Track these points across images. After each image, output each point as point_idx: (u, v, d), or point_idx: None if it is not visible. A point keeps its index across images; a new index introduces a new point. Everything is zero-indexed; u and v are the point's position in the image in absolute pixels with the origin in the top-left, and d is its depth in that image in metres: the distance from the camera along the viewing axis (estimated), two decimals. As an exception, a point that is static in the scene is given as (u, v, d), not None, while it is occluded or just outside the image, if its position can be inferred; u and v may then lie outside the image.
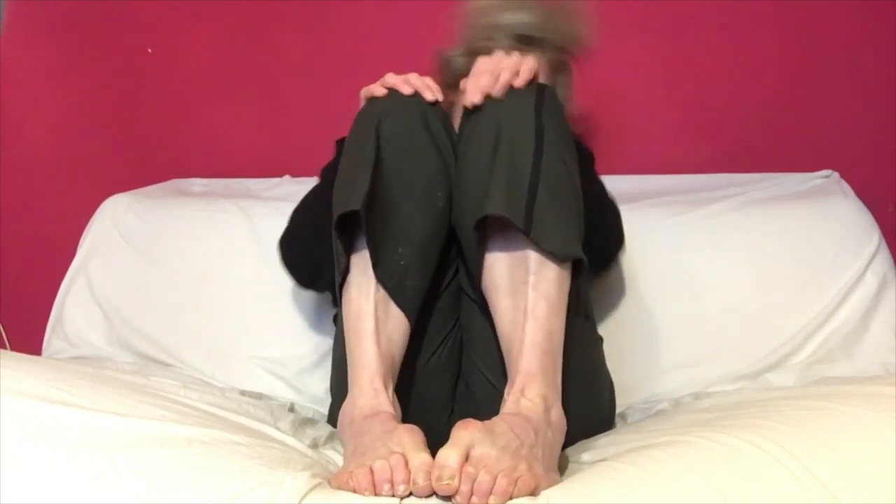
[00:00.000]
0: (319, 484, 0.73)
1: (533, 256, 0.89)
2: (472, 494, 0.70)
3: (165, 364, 1.33)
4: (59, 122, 1.76)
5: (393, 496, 0.71)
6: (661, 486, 0.69)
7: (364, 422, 0.84)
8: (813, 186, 1.48)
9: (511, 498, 0.70)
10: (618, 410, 1.18)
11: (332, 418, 1.08)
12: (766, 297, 1.30)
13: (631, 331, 1.30)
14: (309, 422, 1.10)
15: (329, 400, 1.17)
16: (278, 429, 0.94)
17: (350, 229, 0.95)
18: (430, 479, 0.71)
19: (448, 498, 0.71)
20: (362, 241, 0.94)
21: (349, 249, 0.95)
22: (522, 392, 0.83)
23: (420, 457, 0.73)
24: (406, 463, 0.72)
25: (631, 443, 0.85)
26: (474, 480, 0.70)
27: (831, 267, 1.31)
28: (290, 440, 0.91)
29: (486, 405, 0.92)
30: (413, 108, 0.99)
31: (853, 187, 1.46)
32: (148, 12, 1.72)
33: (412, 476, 0.71)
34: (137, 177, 1.65)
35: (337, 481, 0.74)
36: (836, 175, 1.51)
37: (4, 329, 1.72)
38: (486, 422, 0.77)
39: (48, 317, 1.44)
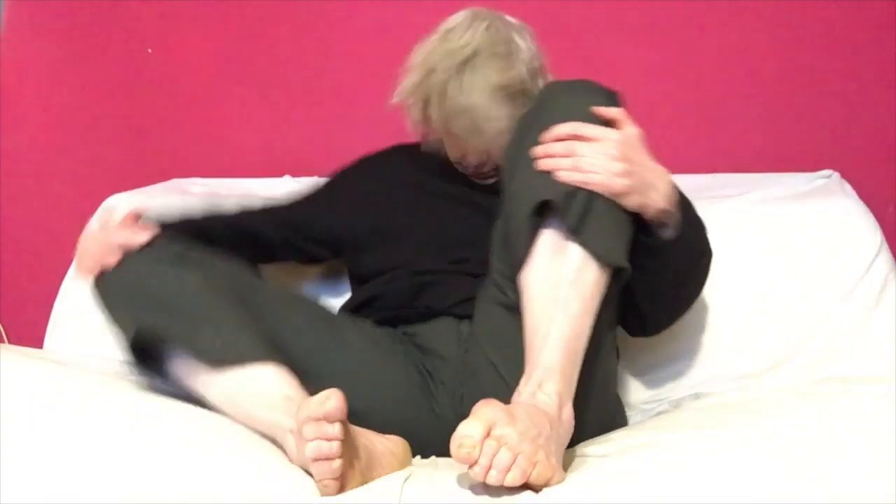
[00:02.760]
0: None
1: (579, 255, 0.89)
2: (489, 468, 0.70)
3: (165, 364, 1.33)
4: (59, 121, 1.76)
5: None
6: (661, 485, 0.69)
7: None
8: (813, 186, 1.48)
9: (528, 480, 0.70)
10: (618, 411, 1.18)
11: None
12: (767, 297, 1.30)
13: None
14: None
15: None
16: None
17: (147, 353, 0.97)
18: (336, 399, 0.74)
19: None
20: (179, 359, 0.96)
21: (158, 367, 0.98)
22: (540, 386, 0.83)
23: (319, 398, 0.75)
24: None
25: (631, 441, 0.85)
26: (494, 455, 0.70)
27: (832, 267, 1.31)
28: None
29: (488, 386, 0.91)
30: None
31: (853, 187, 1.46)
32: (148, 12, 1.72)
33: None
34: (137, 177, 1.65)
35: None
36: (836, 175, 1.51)
37: (4, 329, 1.72)
38: (507, 405, 0.77)
39: (48, 317, 1.44)
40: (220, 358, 0.92)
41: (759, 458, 0.69)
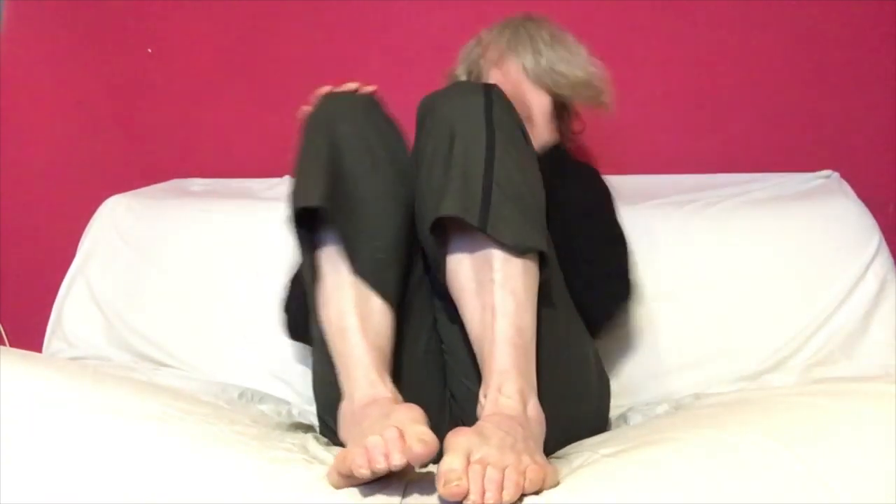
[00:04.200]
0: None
1: (496, 254, 0.88)
2: (484, 492, 0.68)
3: (165, 364, 1.33)
4: (59, 121, 1.76)
5: (389, 469, 0.69)
6: (662, 484, 0.69)
7: (362, 410, 0.83)
8: (813, 186, 1.48)
9: (524, 489, 0.70)
10: (618, 412, 1.18)
11: (325, 431, 1.05)
12: (767, 297, 1.30)
13: (631, 332, 1.30)
14: (307, 425, 1.10)
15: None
16: (276, 427, 0.94)
17: (311, 230, 0.95)
18: (426, 447, 0.69)
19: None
20: (329, 240, 0.94)
21: (313, 249, 0.95)
22: (500, 390, 0.82)
23: (417, 428, 0.71)
24: (402, 435, 0.70)
25: (631, 441, 0.85)
26: (483, 478, 0.69)
27: (831, 268, 1.31)
28: (289, 438, 0.91)
29: (471, 410, 0.91)
30: (358, 108, 1.00)
31: (853, 187, 1.46)
32: (148, 12, 1.72)
33: (408, 444, 0.69)
34: (137, 177, 1.65)
35: (335, 465, 0.72)
36: (836, 175, 1.51)
37: (4, 329, 1.73)
38: (474, 427, 0.76)
39: (48, 317, 1.44)
40: (368, 279, 0.93)
41: (759, 458, 0.69)
